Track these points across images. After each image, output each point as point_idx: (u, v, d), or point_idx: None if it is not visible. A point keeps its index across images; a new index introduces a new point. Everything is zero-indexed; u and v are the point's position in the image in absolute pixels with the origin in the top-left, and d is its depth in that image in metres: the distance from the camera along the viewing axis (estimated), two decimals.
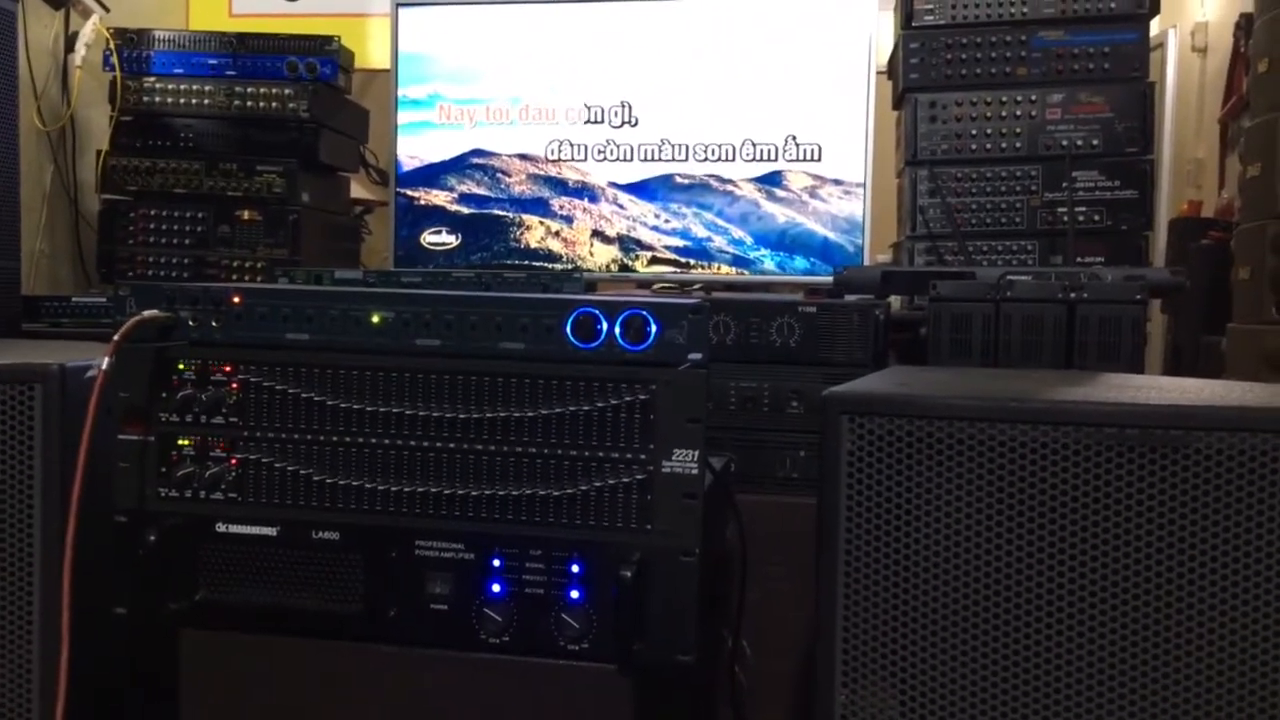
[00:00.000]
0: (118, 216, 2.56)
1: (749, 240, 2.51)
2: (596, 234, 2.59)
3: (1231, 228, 2.70)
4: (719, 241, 2.53)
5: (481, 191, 2.62)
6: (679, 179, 2.55)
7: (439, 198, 2.63)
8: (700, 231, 2.54)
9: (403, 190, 2.65)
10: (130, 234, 2.56)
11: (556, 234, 2.60)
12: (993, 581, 1.04)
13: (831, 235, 2.45)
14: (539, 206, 2.61)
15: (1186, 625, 1.01)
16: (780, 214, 2.50)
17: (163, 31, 2.59)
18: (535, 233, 2.61)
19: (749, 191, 2.51)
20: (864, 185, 2.43)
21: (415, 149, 2.64)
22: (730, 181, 2.52)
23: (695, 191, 2.54)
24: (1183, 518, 1.00)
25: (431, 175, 2.64)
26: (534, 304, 1.20)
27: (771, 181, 2.50)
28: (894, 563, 1.07)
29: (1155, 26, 2.35)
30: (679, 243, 2.55)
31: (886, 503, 1.07)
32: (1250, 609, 1.00)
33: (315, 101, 2.53)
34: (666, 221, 2.56)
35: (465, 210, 2.63)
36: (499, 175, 2.62)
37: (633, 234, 2.57)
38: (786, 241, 2.50)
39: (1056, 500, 1.03)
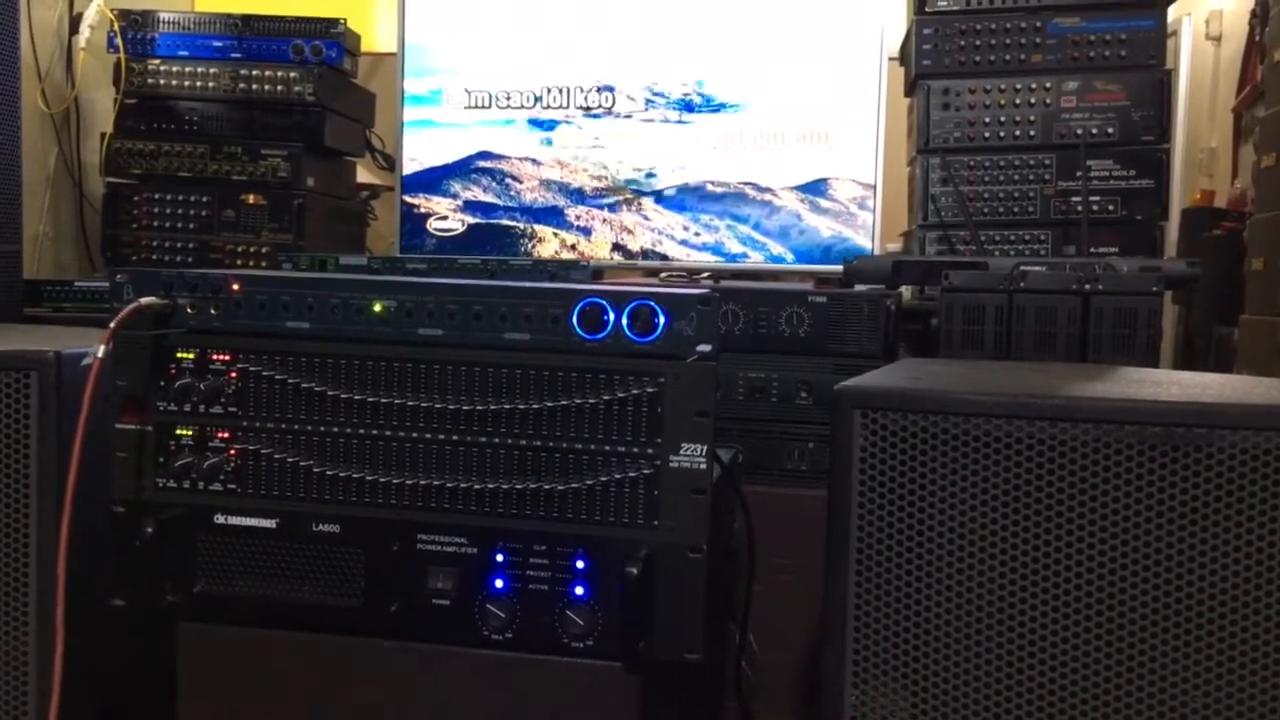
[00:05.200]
0: (122, 200, 2.55)
1: (790, 257, 2.31)
2: (618, 248, 2.40)
3: (1244, 218, 2.67)
4: (756, 258, 2.33)
5: (488, 199, 2.46)
6: (711, 187, 2.36)
7: (441, 205, 2.49)
8: (735, 246, 2.34)
9: (402, 197, 2.52)
10: (135, 217, 2.54)
11: (572, 247, 2.42)
12: (1008, 581, 1.02)
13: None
14: (553, 216, 2.43)
15: (1208, 627, 0.98)
16: (825, 227, 2.31)
17: (167, 13, 2.56)
18: (548, 245, 2.43)
19: (790, 202, 2.32)
20: (874, 172, 2.39)
21: (416, 150, 2.52)
22: (768, 190, 2.34)
23: (729, 201, 2.35)
24: (1205, 518, 0.98)
25: (433, 180, 2.51)
26: (539, 294, 1.17)
27: (815, 191, 2.33)
28: (907, 560, 1.05)
29: (1170, 14, 2.31)
30: (710, 259, 2.34)
31: (899, 499, 1.05)
32: (1274, 609, 0.97)
33: (321, 85, 2.50)
34: (696, 235, 2.35)
35: (470, 219, 2.47)
36: (508, 180, 2.46)
37: (658, 248, 2.37)
38: (833, 258, 2.29)
39: (1074, 499, 1.00)
